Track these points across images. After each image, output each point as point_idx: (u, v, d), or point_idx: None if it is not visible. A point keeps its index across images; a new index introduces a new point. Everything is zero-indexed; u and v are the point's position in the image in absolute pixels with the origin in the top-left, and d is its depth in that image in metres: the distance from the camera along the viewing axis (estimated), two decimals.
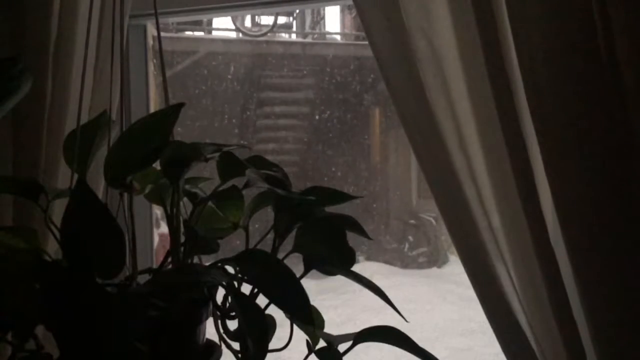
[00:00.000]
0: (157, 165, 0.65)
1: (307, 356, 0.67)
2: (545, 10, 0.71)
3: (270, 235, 0.67)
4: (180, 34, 6.28)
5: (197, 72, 6.01)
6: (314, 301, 0.59)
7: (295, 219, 0.65)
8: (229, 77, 6.16)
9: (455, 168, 0.82)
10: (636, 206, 0.71)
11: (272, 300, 0.57)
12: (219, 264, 0.62)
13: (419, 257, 6.04)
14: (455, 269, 5.43)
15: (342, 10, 6.97)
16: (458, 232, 0.83)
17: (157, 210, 1.39)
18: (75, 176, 0.68)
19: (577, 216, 0.73)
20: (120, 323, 0.51)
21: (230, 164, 0.67)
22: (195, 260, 0.68)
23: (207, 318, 0.63)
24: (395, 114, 0.85)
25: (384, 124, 6.51)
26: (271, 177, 0.65)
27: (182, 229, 0.68)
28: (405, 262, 5.99)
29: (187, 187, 0.71)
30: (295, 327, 0.66)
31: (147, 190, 0.72)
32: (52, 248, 0.77)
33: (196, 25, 6.50)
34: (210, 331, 0.65)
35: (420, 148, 0.84)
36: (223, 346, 0.65)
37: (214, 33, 6.79)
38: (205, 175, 0.75)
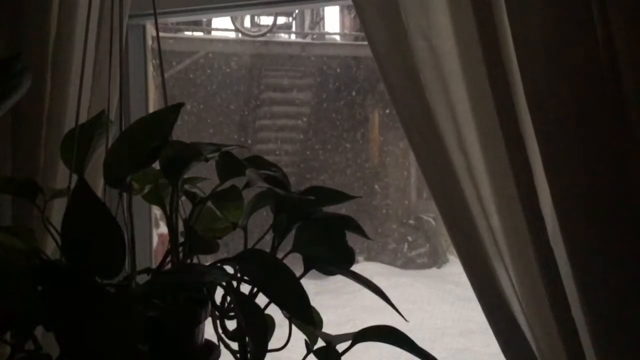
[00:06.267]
0: (156, 165, 0.65)
1: (305, 356, 0.67)
2: (545, 10, 0.71)
3: (269, 236, 0.67)
4: (179, 34, 6.28)
5: (197, 73, 6.01)
6: (314, 301, 0.59)
7: (294, 218, 0.65)
8: (228, 77, 6.16)
9: (454, 168, 0.82)
10: (636, 206, 0.71)
11: (272, 300, 0.57)
12: (218, 264, 0.62)
13: (418, 257, 6.03)
14: (454, 269, 5.43)
15: (341, 11, 6.96)
16: (457, 232, 0.83)
17: (157, 211, 1.39)
18: (74, 176, 0.68)
19: (577, 216, 0.73)
20: (119, 323, 0.51)
21: (229, 164, 0.67)
22: (195, 260, 0.68)
23: (205, 318, 0.63)
24: (394, 114, 0.85)
25: (383, 124, 6.51)
26: (270, 177, 0.65)
27: (181, 229, 0.68)
28: (404, 263, 5.99)
29: (186, 187, 0.71)
30: (294, 326, 0.66)
31: (146, 190, 0.72)
32: (50, 248, 0.77)
33: (195, 25, 6.49)
34: (209, 332, 0.65)
35: (419, 148, 0.84)
36: (222, 346, 0.65)
37: (214, 33, 6.79)
38: (203, 175, 0.75)
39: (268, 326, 0.64)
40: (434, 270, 5.90)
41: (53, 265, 0.58)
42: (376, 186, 6.45)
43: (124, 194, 0.70)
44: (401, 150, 6.36)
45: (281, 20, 6.86)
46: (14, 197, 0.98)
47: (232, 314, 0.63)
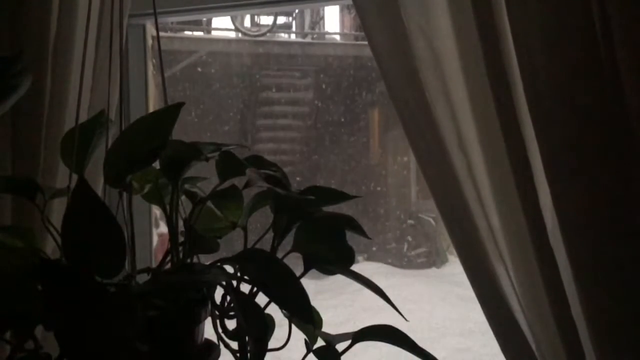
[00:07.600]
0: (156, 165, 0.65)
1: (305, 355, 0.67)
2: (545, 11, 0.71)
3: (269, 236, 0.67)
4: (179, 34, 6.27)
5: (197, 72, 6.01)
6: (313, 301, 0.59)
7: (294, 218, 0.65)
8: (228, 77, 6.16)
9: (454, 168, 0.82)
10: (636, 206, 0.71)
11: (273, 299, 0.57)
12: (218, 264, 0.62)
13: (418, 257, 6.03)
14: (454, 269, 5.43)
15: (341, 10, 6.95)
16: (457, 232, 0.83)
17: (157, 210, 1.39)
18: (74, 176, 0.68)
19: (576, 216, 0.73)
20: (119, 323, 0.51)
21: (229, 164, 0.67)
22: (195, 260, 0.68)
23: (205, 318, 0.63)
24: (394, 114, 0.85)
25: (383, 124, 6.51)
26: (271, 176, 0.65)
27: (181, 229, 0.68)
28: (404, 262, 5.99)
29: (186, 186, 0.71)
30: (294, 326, 0.66)
31: (146, 190, 0.72)
32: (50, 248, 0.77)
33: (195, 25, 6.49)
34: (209, 331, 0.65)
35: (419, 148, 0.84)
36: (222, 346, 0.65)
37: (214, 33, 6.79)
38: (203, 175, 0.75)
39: (268, 326, 0.64)
40: (434, 270, 5.89)
41: (53, 265, 0.58)
42: (376, 186, 6.45)
43: (124, 194, 0.70)
44: (401, 150, 6.36)
45: (281, 20, 6.86)
46: (14, 197, 0.98)
47: (232, 313, 0.63)
